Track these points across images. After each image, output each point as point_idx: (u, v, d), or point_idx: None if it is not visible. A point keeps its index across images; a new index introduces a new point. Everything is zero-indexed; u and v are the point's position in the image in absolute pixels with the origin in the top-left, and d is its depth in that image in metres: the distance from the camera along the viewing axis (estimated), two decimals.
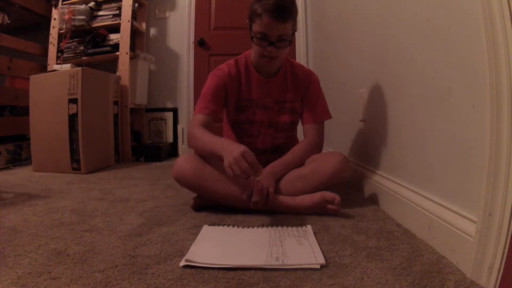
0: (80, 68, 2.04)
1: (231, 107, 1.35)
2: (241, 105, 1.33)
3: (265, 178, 1.15)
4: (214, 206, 1.20)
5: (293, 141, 1.43)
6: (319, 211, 1.11)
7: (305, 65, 2.95)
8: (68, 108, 2.03)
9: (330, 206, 1.10)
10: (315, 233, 0.92)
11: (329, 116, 1.37)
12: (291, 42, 1.22)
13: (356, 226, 0.99)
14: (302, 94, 1.35)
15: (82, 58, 2.57)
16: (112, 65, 2.61)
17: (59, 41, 2.62)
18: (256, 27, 1.17)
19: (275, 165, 1.22)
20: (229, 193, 1.14)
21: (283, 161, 1.24)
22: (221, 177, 1.15)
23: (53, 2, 2.66)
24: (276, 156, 1.28)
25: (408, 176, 1.04)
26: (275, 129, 1.35)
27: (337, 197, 1.08)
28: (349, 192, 1.44)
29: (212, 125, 1.26)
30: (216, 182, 1.14)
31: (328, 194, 1.10)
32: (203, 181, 1.15)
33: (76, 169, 2.03)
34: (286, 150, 1.30)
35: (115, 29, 2.61)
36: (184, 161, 1.17)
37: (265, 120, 1.33)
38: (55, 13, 2.65)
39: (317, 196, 1.11)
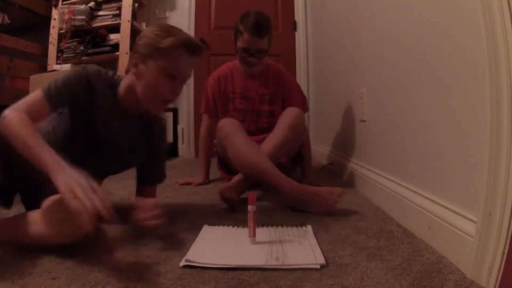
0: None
1: (221, 100, 1.68)
2: (229, 97, 1.66)
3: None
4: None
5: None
6: (319, 201, 1.12)
7: (305, 65, 2.97)
8: None
9: (331, 196, 1.12)
10: (315, 233, 0.92)
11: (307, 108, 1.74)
12: (268, 52, 1.57)
13: (356, 226, 0.99)
14: (282, 89, 1.67)
15: (82, 58, 2.57)
16: (112, 65, 2.61)
17: (59, 41, 2.62)
18: (239, 43, 1.52)
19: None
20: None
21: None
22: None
23: (53, 2, 2.66)
24: (261, 137, 1.55)
25: (408, 176, 1.04)
26: (257, 116, 1.65)
27: (339, 189, 1.13)
28: (348, 192, 1.44)
29: (212, 118, 1.72)
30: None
31: (334, 189, 1.14)
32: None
33: None
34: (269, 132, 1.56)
35: (115, 29, 2.61)
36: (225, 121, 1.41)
37: (249, 108, 1.64)
38: (55, 13, 2.65)
39: (322, 188, 1.16)
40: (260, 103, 1.65)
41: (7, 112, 0.79)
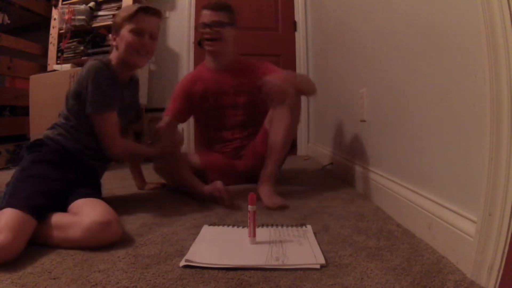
0: (80, 68, 2.04)
1: (194, 101, 1.65)
2: (202, 96, 1.63)
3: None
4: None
5: (255, 118, 1.63)
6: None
7: (305, 65, 2.97)
8: None
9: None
10: (315, 233, 0.92)
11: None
12: (225, 26, 1.55)
13: (356, 226, 0.99)
14: (258, 74, 1.55)
15: (82, 58, 2.56)
16: None
17: (59, 41, 2.61)
18: (199, 20, 1.58)
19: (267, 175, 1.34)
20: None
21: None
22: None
23: (53, 2, 2.66)
24: (242, 130, 1.64)
25: (408, 176, 1.04)
26: (233, 108, 1.63)
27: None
28: (348, 192, 1.44)
29: (175, 123, 1.65)
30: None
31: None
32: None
33: None
34: (249, 126, 1.64)
35: None
36: None
37: (225, 103, 1.63)
38: (55, 13, 2.65)
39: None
40: (235, 95, 1.63)
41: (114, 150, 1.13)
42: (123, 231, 0.92)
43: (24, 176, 0.96)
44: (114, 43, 1.17)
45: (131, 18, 1.14)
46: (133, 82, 1.33)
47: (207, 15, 1.54)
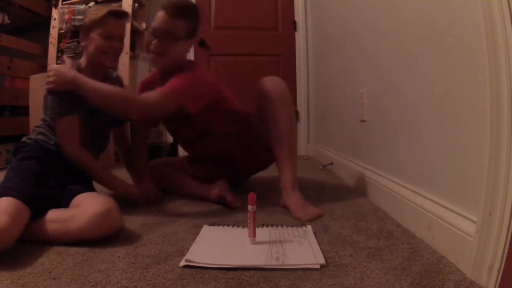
0: None
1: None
2: None
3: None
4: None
5: (214, 125, 1.38)
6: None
7: (305, 65, 2.97)
8: None
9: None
10: (315, 233, 0.92)
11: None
12: (176, 41, 1.21)
13: (356, 226, 0.99)
14: None
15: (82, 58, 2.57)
16: None
17: (59, 41, 2.61)
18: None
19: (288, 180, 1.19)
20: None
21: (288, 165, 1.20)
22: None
23: (53, 2, 2.66)
24: (204, 140, 1.42)
25: (408, 176, 1.04)
26: (187, 120, 1.33)
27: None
28: (348, 192, 1.44)
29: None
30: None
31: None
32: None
33: None
34: (208, 134, 1.39)
35: None
36: None
37: (173, 117, 1.33)
38: (55, 13, 2.65)
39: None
40: (179, 110, 1.23)
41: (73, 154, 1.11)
42: (122, 222, 0.95)
43: (12, 172, 1.01)
44: (83, 44, 1.20)
45: (100, 22, 1.15)
46: (113, 82, 1.29)
47: (159, 19, 1.20)
